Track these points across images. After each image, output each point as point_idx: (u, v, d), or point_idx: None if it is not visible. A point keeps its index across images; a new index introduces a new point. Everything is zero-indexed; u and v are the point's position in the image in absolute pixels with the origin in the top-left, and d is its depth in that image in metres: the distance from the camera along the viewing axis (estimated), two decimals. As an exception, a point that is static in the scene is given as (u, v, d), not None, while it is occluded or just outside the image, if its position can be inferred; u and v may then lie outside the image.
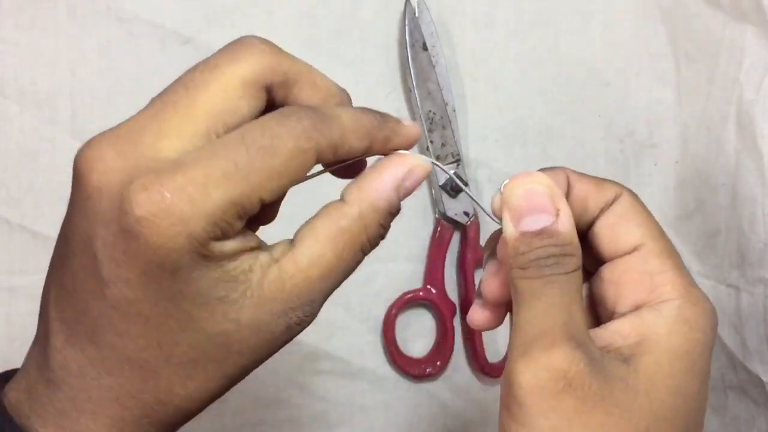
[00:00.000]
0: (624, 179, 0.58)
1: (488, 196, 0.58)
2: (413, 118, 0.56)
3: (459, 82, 0.57)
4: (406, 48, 0.54)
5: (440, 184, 0.56)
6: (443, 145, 0.56)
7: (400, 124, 0.36)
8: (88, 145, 0.32)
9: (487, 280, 0.35)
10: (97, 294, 0.30)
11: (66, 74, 0.52)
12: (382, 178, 0.34)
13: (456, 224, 0.57)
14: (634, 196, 0.35)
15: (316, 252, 0.32)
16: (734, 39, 0.53)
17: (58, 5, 0.52)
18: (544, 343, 0.30)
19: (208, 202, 0.29)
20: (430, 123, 0.55)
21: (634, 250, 0.33)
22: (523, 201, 0.32)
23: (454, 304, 0.57)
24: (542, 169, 0.35)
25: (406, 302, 0.56)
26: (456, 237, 0.57)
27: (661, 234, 0.34)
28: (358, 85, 0.56)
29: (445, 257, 0.57)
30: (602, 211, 0.34)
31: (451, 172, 0.35)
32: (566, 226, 0.32)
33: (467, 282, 0.57)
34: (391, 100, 0.56)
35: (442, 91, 0.55)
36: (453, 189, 0.56)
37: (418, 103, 0.55)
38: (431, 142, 0.55)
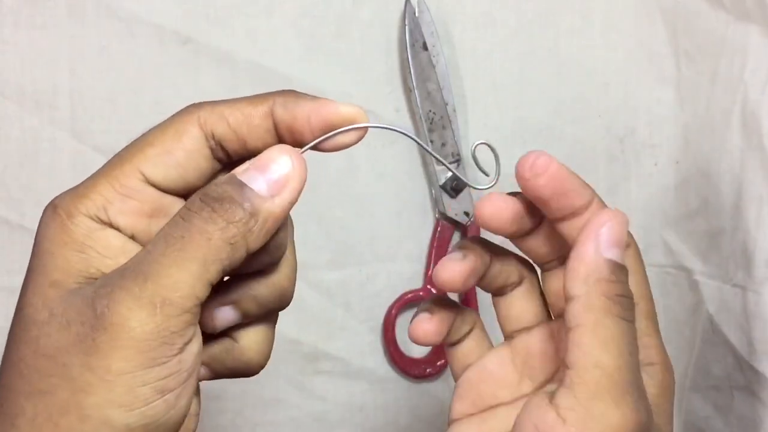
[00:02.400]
0: (624, 179, 0.59)
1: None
2: (413, 118, 0.56)
3: (459, 82, 0.57)
4: (406, 48, 0.54)
5: (440, 183, 0.56)
6: (443, 145, 0.56)
7: (315, 98, 0.34)
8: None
9: (446, 263, 0.35)
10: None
11: (66, 74, 0.52)
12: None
13: (456, 224, 0.57)
14: (634, 248, 0.36)
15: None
16: (737, 38, 0.53)
17: (58, 5, 0.52)
18: (629, 393, 0.30)
19: (87, 182, 0.30)
20: (430, 123, 0.55)
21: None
22: (617, 232, 0.33)
23: (454, 304, 0.57)
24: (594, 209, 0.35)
25: (406, 302, 0.56)
26: (456, 237, 0.57)
27: (650, 293, 0.35)
28: (358, 85, 0.56)
29: (445, 257, 0.57)
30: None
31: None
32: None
33: (467, 282, 0.57)
34: (391, 100, 0.56)
35: (442, 91, 0.55)
36: (453, 189, 0.56)
37: (418, 103, 0.55)
38: (431, 141, 0.55)
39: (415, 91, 0.55)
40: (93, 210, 0.30)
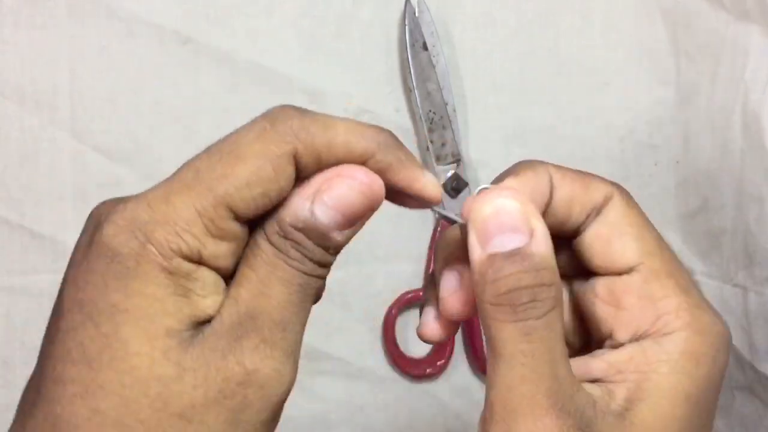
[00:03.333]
0: (624, 179, 0.58)
1: (488, 196, 0.58)
2: (413, 118, 0.56)
3: (459, 82, 0.57)
4: (406, 48, 0.54)
5: (440, 183, 0.56)
6: (443, 145, 0.56)
7: (413, 166, 0.30)
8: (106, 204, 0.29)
9: (447, 298, 0.31)
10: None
11: (66, 74, 0.52)
12: (295, 188, 0.29)
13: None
14: (627, 196, 0.32)
15: (237, 276, 0.29)
16: (738, 38, 0.53)
17: (58, 5, 0.52)
18: (529, 414, 0.27)
19: (169, 209, 0.27)
20: (430, 123, 0.55)
21: (633, 269, 0.31)
22: (491, 219, 0.28)
23: (454, 304, 0.57)
24: (521, 164, 0.31)
25: (406, 302, 0.56)
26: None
27: (661, 247, 0.31)
28: (358, 85, 0.56)
29: (445, 257, 0.57)
30: (590, 215, 0.31)
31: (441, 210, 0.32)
32: (541, 247, 0.28)
33: (467, 282, 0.57)
34: (391, 100, 0.56)
35: (442, 91, 0.55)
36: (453, 189, 0.56)
37: (418, 103, 0.55)
38: (431, 142, 0.55)
39: (415, 91, 0.55)
40: (188, 253, 0.27)
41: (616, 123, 0.58)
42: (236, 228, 0.28)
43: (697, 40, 0.56)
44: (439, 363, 0.57)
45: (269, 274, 0.28)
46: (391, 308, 0.56)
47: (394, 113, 0.56)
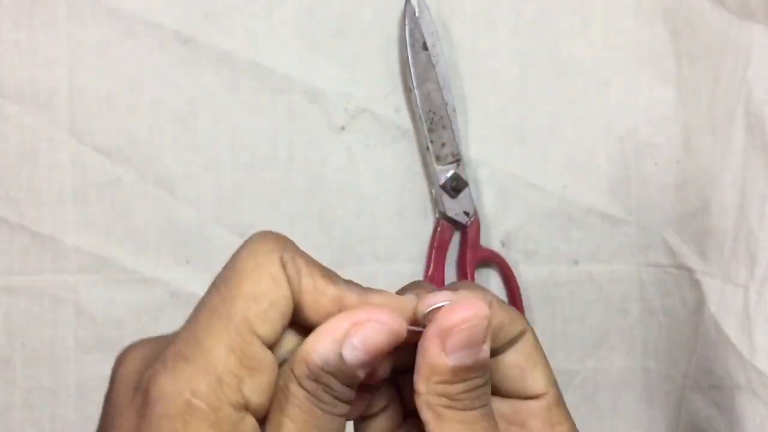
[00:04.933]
0: (624, 179, 0.59)
1: (488, 196, 0.58)
2: (413, 118, 0.56)
3: (459, 82, 0.57)
4: (406, 48, 0.54)
5: (440, 183, 0.56)
6: (443, 145, 0.56)
7: (373, 298, 0.32)
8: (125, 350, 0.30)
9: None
10: None
11: (65, 74, 0.52)
12: (320, 330, 0.30)
13: (456, 224, 0.57)
14: (535, 335, 0.35)
15: (272, 424, 0.29)
16: (741, 38, 0.53)
17: (58, 4, 0.52)
18: None
19: (204, 354, 0.28)
20: (430, 123, 0.55)
21: (540, 396, 0.34)
22: (464, 337, 0.31)
23: (454, 304, 0.57)
24: (468, 283, 0.34)
25: (406, 302, 0.56)
26: (456, 237, 0.57)
27: (554, 378, 0.35)
28: (358, 85, 0.56)
29: (445, 257, 0.57)
30: (508, 343, 0.34)
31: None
32: (487, 354, 0.32)
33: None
34: (391, 100, 0.56)
35: (442, 91, 0.55)
36: (453, 189, 0.56)
37: (418, 103, 0.55)
38: (431, 142, 0.55)
39: (415, 91, 0.55)
40: (233, 396, 0.28)
41: (616, 123, 0.58)
42: (267, 356, 0.29)
43: (698, 39, 0.56)
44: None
45: (307, 423, 0.29)
46: (391, 308, 0.56)
47: (394, 113, 0.56)
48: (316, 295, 0.31)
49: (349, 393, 0.30)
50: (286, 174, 0.55)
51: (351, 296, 0.31)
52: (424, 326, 0.31)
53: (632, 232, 0.59)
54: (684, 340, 0.58)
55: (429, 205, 0.57)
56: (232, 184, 0.54)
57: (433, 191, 0.57)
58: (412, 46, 0.54)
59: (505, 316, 0.33)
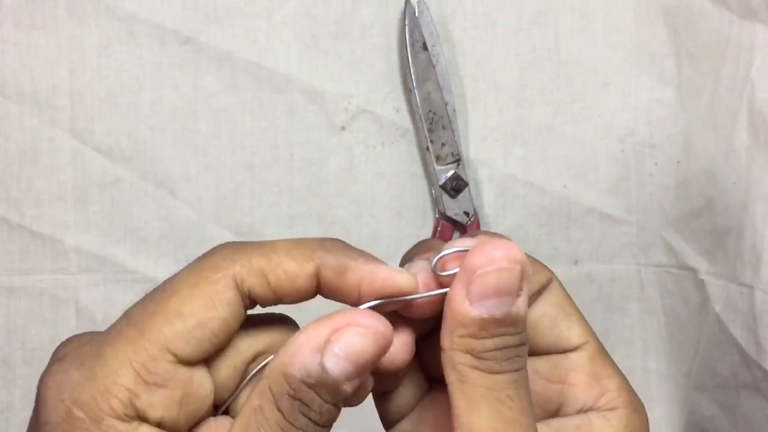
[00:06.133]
0: (624, 179, 0.59)
1: (488, 196, 0.58)
2: (413, 118, 0.56)
3: (459, 82, 0.57)
4: (406, 48, 0.54)
5: (440, 183, 0.56)
6: (443, 145, 0.56)
7: (372, 260, 0.29)
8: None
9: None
10: None
11: (66, 74, 0.52)
12: (296, 338, 0.27)
13: (456, 224, 0.57)
14: (562, 285, 0.32)
15: None
16: (743, 37, 0.53)
17: (58, 5, 0.52)
18: None
19: (99, 362, 0.26)
20: (430, 123, 0.55)
21: (578, 348, 0.32)
22: (493, 282, 0.27)
23: (454, 304, 0.57)
24: (481, 234, 0.30)
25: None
26: (456, 237, 0.57)
27: (592, 330, 0.33)
28: (358, 85, 0.56)
29: (445, 257, 0.57)
30: (534, 295, 0.31)
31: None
32: (523, 309, 0.28)
33: (467, 282, 0.57)
34: (391, 100, 0.56)
35: (442, 91, 0.55)
36: (453, 189, 0.56)
37: (418, 103, 0.55)
38: (431, 142, 0.55)
39: (415, 91, 0.55)
40: (120, 409, 0.26)
41: (616, 123, 0.58)
42: (179, 373, 0.27)
43: (699, 39, 0.56)
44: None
45: None
46: (391, 308, 0.56)
47: (394, 113, 0.56)
48: (290, 282, 0.28)
49: (330, 414, 0.27)
50: (286, 174, 0.55)
51: (326, 272, 0.28)
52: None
53: (632, 232, 0.59)
54: (686, 340, 0.58)
55: (429, 205, 0.57)
56: (232, 184, 0.54)
57: (433, 191, 0.57)
58: (412, 46, 0.54)
59: (529, 267, 0.30)
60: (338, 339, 0.27)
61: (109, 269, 0.53)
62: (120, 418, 0.26)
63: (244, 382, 0.29)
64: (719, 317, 0.54)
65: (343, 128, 0.55)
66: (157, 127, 0.53)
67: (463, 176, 0.56)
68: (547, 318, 0.31)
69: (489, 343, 0.27)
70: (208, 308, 0.27)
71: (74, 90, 0.52)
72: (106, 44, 0.53)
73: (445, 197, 0.56)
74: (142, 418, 0.27)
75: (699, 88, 0.56)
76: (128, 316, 0.28)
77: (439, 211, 0.56)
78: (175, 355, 0.27)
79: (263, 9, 0.54)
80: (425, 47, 0.55)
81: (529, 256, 0.30)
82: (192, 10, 0.53)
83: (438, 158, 0.56)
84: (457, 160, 0.56)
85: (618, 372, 0.32)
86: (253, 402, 0.27)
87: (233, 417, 0.29)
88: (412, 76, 0.55)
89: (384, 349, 0.28)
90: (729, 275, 0.55)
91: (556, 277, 0.32)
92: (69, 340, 0.29)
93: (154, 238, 0.54)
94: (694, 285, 0.57)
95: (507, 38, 0.57)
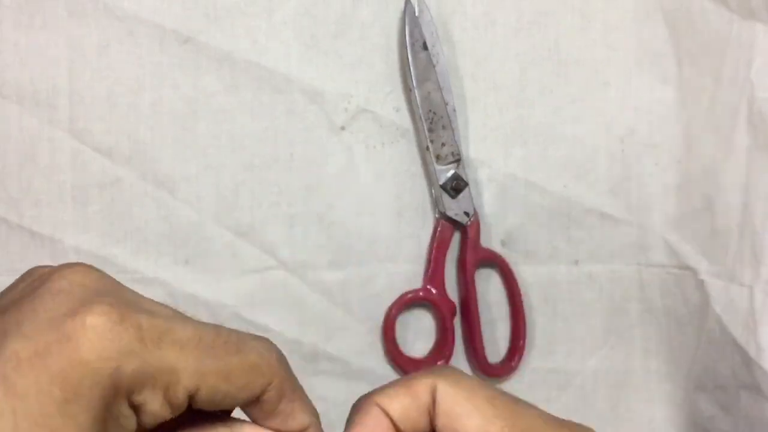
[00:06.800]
0: (624, 179, 0.59)
1: (488, 196, 0.58)
2: (413, 118, 0.56)
3: (459, 82, 0.57)
4: (406, 48, 0.54)
5: (440, 183, 0.56)
6: (443, 145, 0.56)
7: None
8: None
9: None
10: None
11: (65, 74, 0.52)
12: None
13: (456, 224, 0.57)
14: (451, 378, 0.31)
15: None
16: (743, 37, 0.53)
17: (58, 5, 0.52)
18: None
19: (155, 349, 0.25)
20: (430, 123, 0.55)
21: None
22: None
23: (454, 304, 0.57)
24: (358, 409, 0.31)
25: (406, 302, 0.56)
26: (456, 237, 0.57)
27: (504, 406, 0.30)
28: (358, 85, 0.56)
29: (445, 257, 0.57)
30: (429, 410, 0.31)
31: None
32: None
33: (467, 282, 0.57)
34: (391, 100, 0.56)
35: (442, 90, 0.55)
36: (453, 189, 0.56)
37: (418, 102, 0.55)
38: (431, 141, 0.55)
39: (415, 91, 0.55)
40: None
41: (616, 123, 0.58)
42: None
43: (699, 39, 0.56)
44: (439, 363, 0.57)
45: None
46: (391, 308, 0.56)
47: (394, 113, 0.56)
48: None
49: None
50: (286, 174, 0.55)
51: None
52: None
53: (632, 232, 0.59)
54: (686, 340, 0.58)
55: (429, 205, 0.57)
56: (232, 184, 0.54)
57: (433, 191, 0.57)
58: (412, 46, 0.54)
59: (403, 398, 0.30)
60: None
61: (109, 269, 0.52)
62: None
63: None
64: (719, 317, 0.54)
65: (343, 128, 0.55)
66: (157, 127, 0.53)
67: (463, 176, 0.56)
68: (448, 427, 0.30)
69: None
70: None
71: (74, 90, 0.52)
72: (105, 44, 0.53)
73: (445, 197, 0.56)
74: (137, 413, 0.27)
75: (699, 88, 0.56)
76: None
77: (439, 211, 0.56)
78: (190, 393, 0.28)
79: (263, 9, 0.54)
80: (425, 47, 0.55)
81: (402, 382, 0.31)
82: (192, 10, 0.53)
83: (438, 158, 0.56)
84: (457, 160, 0.56)
85: None
86: None
87: None
88: (412, 76, 0.55)
89: None
90: (729, 275, 0.55)
91: (443, 377, 0.31)
92: (85, 271, 0.28)
93: (154, 238, 0.54)
94: (694, 285, 0.57)
95: (507, 38, 0.57)
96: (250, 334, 0.29)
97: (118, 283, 0.29)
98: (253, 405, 0.29)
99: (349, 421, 0.32)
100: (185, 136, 0.54)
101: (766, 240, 0.52)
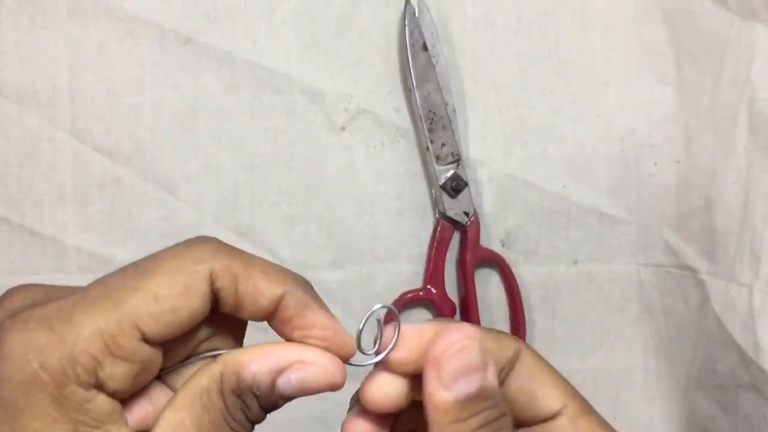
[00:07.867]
0: (624, 179, 0.59)
1: (488, 196, 0.58)
2: (413, 118, 0.56)
3: (459, 82, 0.57)
4: (406, 48, 0.54)
5: (440, 183, 0.56)
6: (443, 145, 0.56)
7: (323, 315, 0.31)
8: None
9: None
10: None
11: (66, 74, 0.52)
12: (264, 350, 0.30)
13: (456, 224, 0.57)
14: (533, 351, 0.33)
15: (172, 421, 0.28)
16: (743, 38, 0.53)
17: (58, 5, 0.52)
18: None
19: (70, 329, 0.27)
20: (430, 123, 0.55)
21: (558, 413, 0.32)
22: (457, 362, 0.29)
23: (454, 304, 0.57)
24: (434, 321, 0.32)
25: (406, 302, 0.56)
26: (456, 237, 0.57)
27: (574, 388, 0.33)
28: (358, 85, 0.56)
29: (445, 257, 0.57)
30: (505, 369, 0.32)
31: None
32: (495, 380, 0.30)
33: (467, 282, 0.57)
34: (391, 100, 0.56)
35: (442, 91, 0.55)
36: (453, 189, 0.56)
37: (418, 103, 0.55)
38: (431, 142, 0.55)
39: (415, 91, 0.55)
40: (84, 376, 0.27)
41: (616, 123, 0.58)
42: (142, 350, 0.28)
43: (699, 39, 0.56)
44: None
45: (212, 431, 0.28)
46: (391, 308, 0.56)
47: (394, 113, 0.56)
48: (255, 297, 0.30)
49: (261, 417, 0.30)
50: (286, 174, 0.55)
51: (290, 300, 0.30)
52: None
53: (632, 232, 0.59)
54: (685, 340, 0.58)
55: (429, 205, 0.57)
56: (232, 184, 0.54)
57: (433, 191, 0.57)
58: (412, 46, 0.54)
59: (491, 342, 0.31)
60: (299, 370, 0.30)
61: (109, 269, 0.53)
62: (81, 386, 0.27)
63: (186, 362, 0.31)
64: (719, 317, 0.54)
65: (343, 128, 0.56)
66: (157, 127, 0.53)
67: (463, 176, 0.56)
68: (522, 391, 0.32)
69: (473, 422, 0.29)
70: (182, 297, 0.28)
71: (74, 90, 0.52)
72: (106, 44, 0.53)
73: (445, 197, 0.56)
74: (99, 387, 0.28)
75: (699, 88, 0.56)
76: (105, 285, 0.28)
77: (439, 211, 0.56)
78: (142, 333, 0.28)
79: (263, 9, 0.54)
80: (425, 47, 0.55)
81: (492, 332, 0.32)
82: (192, 10, 0.53)
83: (438, 158, 0.56)
84: (457, 160, 0.56)
85: (602, 427, 0.33)
86: (201, 381, 0.29)
87: (165, 383, 0.31)
88: (412, 77, 0.55)
89: (332, 390, 0.31)
90: (729, 275, 0.55)
91: (527, 345, 0.33)
92: (20, 291, 0.29)
93: (154, 238, 0.54)
94: (693, 285, 0.57)
95: (507, 38, 0.57)
96: (175, 247, 0.30)
97: (48, 289, 0.30)
98: (220, 308, 0.30)
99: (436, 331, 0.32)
100: (185, 136, 0.54)
101: (766, 240, 0.52)
